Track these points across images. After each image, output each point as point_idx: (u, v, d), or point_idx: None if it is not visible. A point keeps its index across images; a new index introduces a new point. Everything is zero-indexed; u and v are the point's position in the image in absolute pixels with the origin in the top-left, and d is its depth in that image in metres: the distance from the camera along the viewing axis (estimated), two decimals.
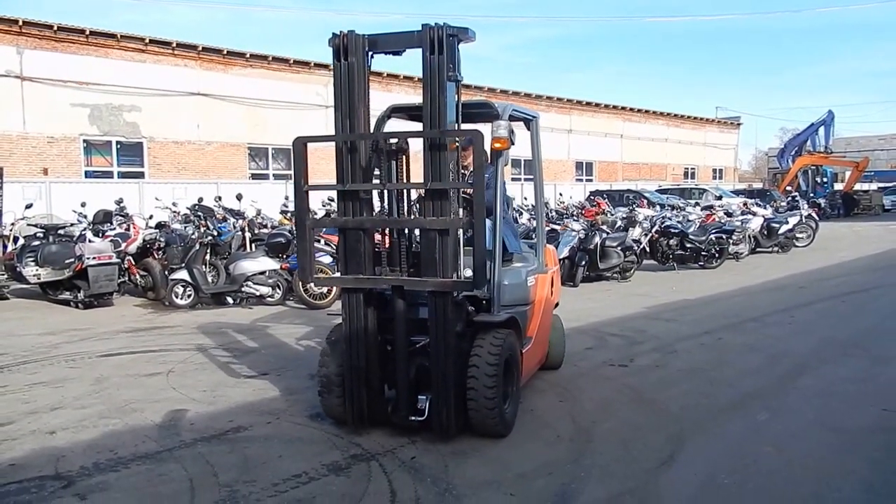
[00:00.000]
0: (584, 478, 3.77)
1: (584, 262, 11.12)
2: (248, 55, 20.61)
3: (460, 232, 4.18)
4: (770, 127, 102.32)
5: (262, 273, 9.28)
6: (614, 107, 34.17)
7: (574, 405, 5.04)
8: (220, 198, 13.29)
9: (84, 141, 18.19)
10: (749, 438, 4.39)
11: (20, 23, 16.69)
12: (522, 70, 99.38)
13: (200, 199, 12.18)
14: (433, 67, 3.97)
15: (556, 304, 5.90)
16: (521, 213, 14.85)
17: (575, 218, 13.25)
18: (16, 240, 10.26)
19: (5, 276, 10.04)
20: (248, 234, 11.30)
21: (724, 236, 13.52)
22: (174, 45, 19.01)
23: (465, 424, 4.26)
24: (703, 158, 40.52)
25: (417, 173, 4.25)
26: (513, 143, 4.44)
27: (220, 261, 9.71)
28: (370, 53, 4.21)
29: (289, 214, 13.34)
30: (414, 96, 4.80)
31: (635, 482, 3.72)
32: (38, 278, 9.49)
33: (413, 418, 4.26)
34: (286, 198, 15.71)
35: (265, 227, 12.38)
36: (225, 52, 20.15)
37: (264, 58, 20.89)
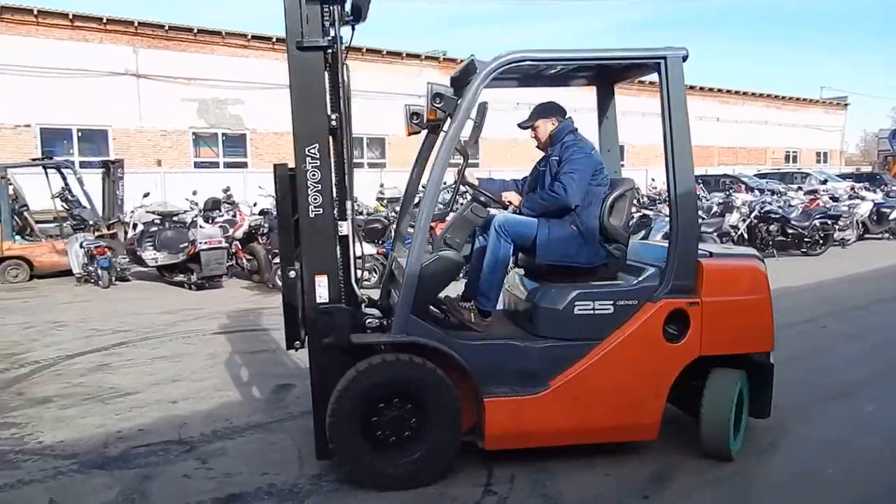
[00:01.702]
0: (678, 464, 3.76)
1: None
2: (364, 50, 21.15)
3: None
4: (881, 107, 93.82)
5: (359, 257, 9.62)
6: (710, 89, 32.62)
7: None
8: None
9: (193, 133, 19.26)
10: (854, 429, 4.24)
11: (136, 24, 17.81)
12: None
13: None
14: None
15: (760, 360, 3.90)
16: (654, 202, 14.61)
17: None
18: (135, 226, 11.05)
19: (127, 260, 10.88)
20: None
21: (829, 222, 12.88)
22: (274, 39, 19.72)
23: None
24: (806, 141, 38.15)
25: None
26: (474, 121, 3.60)
27: None
28: None
29: (385, 201, 13.70)
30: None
31: (734, 470, 3.69)
32: (156, 261, 10.28)
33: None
34: (381, 185, 16.15)
35: (361, 213, 12.77)
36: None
37: (357, 49, 21.34)
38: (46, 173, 11.90)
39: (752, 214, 12.74)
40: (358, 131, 21.90)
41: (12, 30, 16.13)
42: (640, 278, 3.75)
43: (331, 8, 3.43)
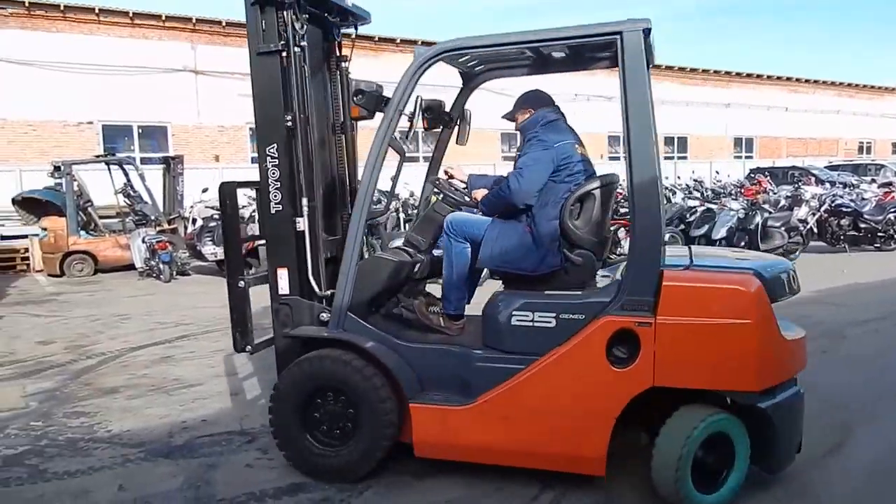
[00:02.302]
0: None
1: (742, 244, 10.51)
2: (398, 40, 21.07)
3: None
4: None
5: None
6: (778, 77, 31.28)
7: None
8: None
9: (250, 129, 19.56)
10: None
11: (194, 20, 18.16)
12: (672, 43, 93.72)
13: (358, 182, 12.80)
14: None
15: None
16: (674, 193, 14.25)
17: (733, 197, 12.55)
18: (194, 221, 11.29)
19: (187, 255, 11.13)
20: (401, 215, 11.72)
21: None
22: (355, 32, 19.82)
23: None
24: (881, 131, 36.40)
25: None
26: (408, 117, 3.50)
27: (376, 241, 10.15)
28: None
29: (441, 196, 13.64)
30: None
31: (801, 469, 3.53)
32: (215, 256, 10.46)
33: None
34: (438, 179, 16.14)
35: (417, 207, 12.76)
36: (377, 39, 20.79)
37: (414, 42, 21.29)
38: (109, 170, 12.23)
39: (822, 208, 12.22)
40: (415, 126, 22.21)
41: (75, 28, 16.64)
42: (594, 290, 3.33)
43: (284, 14, 3.54)
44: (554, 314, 3.22)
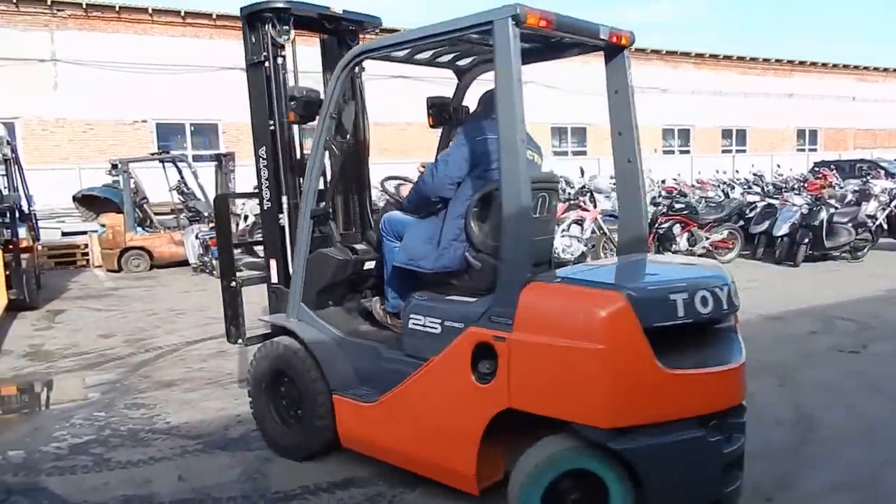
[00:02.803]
0: (806, 465, 3.55)
1: (806, 240, 10.07)
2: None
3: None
4: None
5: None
6: (845, 66, 29.68)
7: (796, 390, 4.71)
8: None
9: (298, 125, 19.81)
10: None
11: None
12: (729, 31, 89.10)
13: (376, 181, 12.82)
14: None
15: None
16: (732, 188, 13.83)
17: (796, 192, 12.12)
18: (246, 218, 11.44)
19: (239, 251, 11.31)
20: None
21: None
22: (377, 31, 19.96)
23: None
24: None
25: None
26: (334, 119, 3.63)
27: None
28: None
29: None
30: None
31: (864, 473, 3.43)
32: None
33: None
34: None
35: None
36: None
37: None
38: (164, 167, 12.51)
39: (893, 203, 11.65)
40: None
41: (130, 28, 17.06)
42: (482, 298, 3.04)
43: (265, 29, 3.90)
44: (440, 320, 3.11)
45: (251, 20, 3.94)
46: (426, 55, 3.82)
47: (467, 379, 2.91)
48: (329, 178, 3.99)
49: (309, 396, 3.59)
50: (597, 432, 2.59)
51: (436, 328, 3.11)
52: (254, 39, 3.97)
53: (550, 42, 3.42)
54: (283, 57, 3.94)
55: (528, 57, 3.44)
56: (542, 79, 22.20)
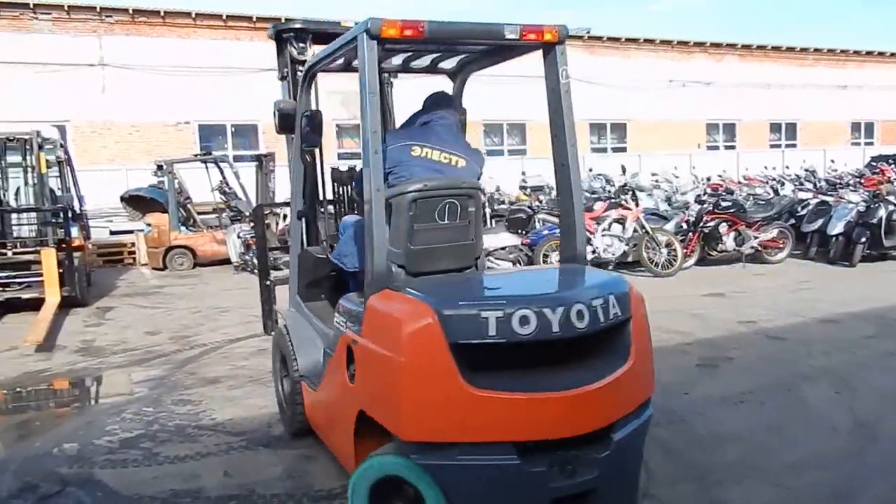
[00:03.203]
0: (864, 475, 3.43)
1: (863, 239, 9.69)
2: None
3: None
4: None
5: (503, 248, 9.49)
6: None
7: (853, 396, 4.55)
8: None
9: (336, 125, 19.98)
10: None
11: (282, 20, 18.49)
12: (776, 21, 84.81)
13: None
14: None
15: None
16: (782, 184, 13.45)
17: (852, 188, 11.72)
18: (285, 217, 11.49)
19: (279, 250, 11.43)
20: (488, 210, 11.63)
21: None
22: None
23: None
24: None
25: None
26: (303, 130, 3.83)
27: None
28: None
29: (528, 190, 13.52)
30: None
31: None
32: None
33: None
34: (523, 173, 15.96)
35: (503, 202, 12.67)
36: None
37: None
38: (207, 167, 12.74)
39: None
40: (496, 117, 21.78)
41: (174, 32, 17.39)
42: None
43: (286, 47, 4.41)
44: (343, 319, 3.25)
45: (277, 39, 4.41)
46: (397, 64, 3.89)
47: (343, 376, 3.06)
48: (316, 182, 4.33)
49: (291, 380, 3.89)
50: (405, 444, 2.55)
51: (341, 326, 3.29)
52: (279, 56, 4.45)
53: (489, 49, 3.52)
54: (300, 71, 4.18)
55: (475, 63, 3.73)
56: (579, 74, 22.03)
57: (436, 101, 3.58)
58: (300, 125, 3.83)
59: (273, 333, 4.51)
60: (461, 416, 2.49)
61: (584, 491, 2.59)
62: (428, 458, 2.53)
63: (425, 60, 3.82)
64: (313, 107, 4.00)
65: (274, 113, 4.05)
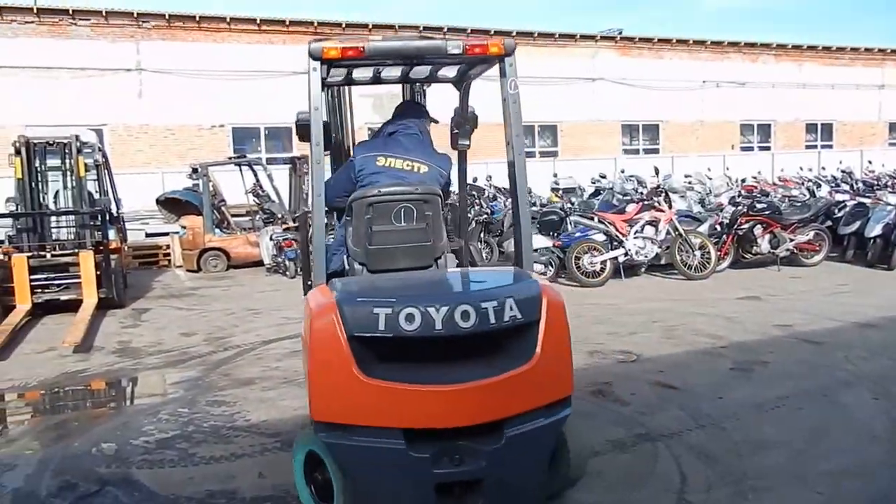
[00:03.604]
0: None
1: None
2: (514, 33, 20.36)
3: None
4: None
5: (535, 250, 9.43)
6: None
7: (893, 403, 4.45)
8: (490, 177, 13.86)
9: (368, 129, 20.07)
10: None
11: (315, 23, 18.63)
12: (813, 20, 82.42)
13: (475, 179, 12.71)
14: None
15: None
16: (818, 185, 13.14)
17: (890, 189, 11.42)
18: None
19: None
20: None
21: None
22: (445, 29, 19.96)
23: None
24: None
25: None
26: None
27: (493, 238, 10.11)
28: None
29: (559, 192, 13.44)
30: None
31: None
32: None
33: None
34: (555, 175, 15.87)
35: (534, 204, 12.58)
36: (492, 33, 20.46)
37: (529, 34, 20.93)
38: (241, 170, 12.90)
39: None
40: (527, 118, 21.45)
41: (209, 37, 17.67)
42: None
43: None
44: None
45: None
46: (396, 75, 3.94)
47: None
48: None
49: None
50: (316, 423, 2.90)
51: None
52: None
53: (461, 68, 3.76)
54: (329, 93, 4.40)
55: (472, 72, 3.81)
56: (611, 75, 21.86)
57: (403, 112, 3.94)
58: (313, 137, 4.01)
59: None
60: (356, 402, 2.77)
61: (470, 480, 2.79)
62: (330, 437, 2.85)
63: (423, 71, 3.91)
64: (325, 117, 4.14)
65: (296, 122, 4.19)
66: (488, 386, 2.78)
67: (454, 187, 4.29)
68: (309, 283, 4.84)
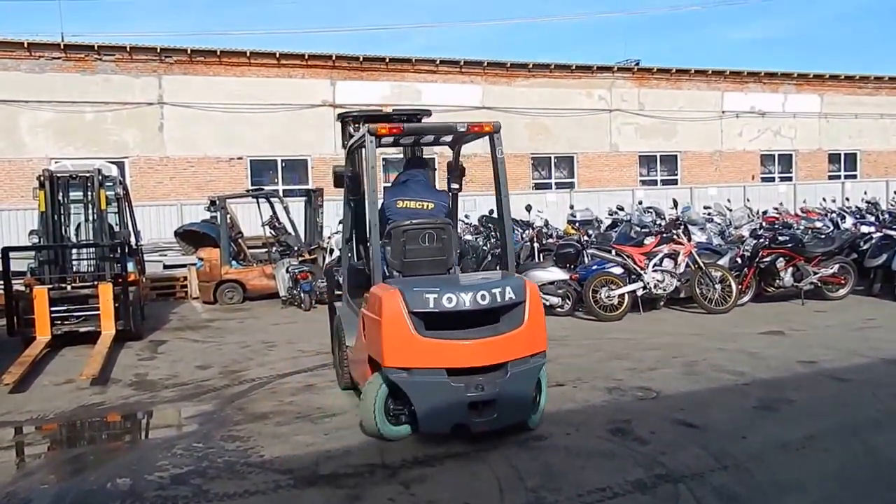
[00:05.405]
0: None
1: None
2: (530, 65, 20.94)
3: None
4: None
5: (552, 283, 9.35)
6: None
7: None
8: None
9: (384, 160, 20.24)
10: None
11: (333, 57, 19.00)
12: (834, 49, 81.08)
13: (490, 212, 12.68)
14: None
15: None
16: (843, 217, 12.92)
17: None
18: (332, 251, 11.63)
19: (325, 284, 11.53)
20: (536, 245, 11.51)
21: None
22: (462, 63, 20.17)
23: None
24: None
25: None
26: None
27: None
28: None
29: (576, 224, 13.36)
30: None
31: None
32: None
33: None
34: (571, 206, 15.78)
35: (551, 237, 12.52)
36: (508, 65, 20.85)
37: (546, 66, 21.18)
38: (258, 202, 13.00)
39: None
40: (545, 150, 21.67)
41: (229, 71, 17.96)
42: None
43: (346, 128, 6.11)
44: (364, 302, 4.95)
45: (341, 121, 6.16)
46: (429, 139, 5.54)
47: (361, 337, 4.98)
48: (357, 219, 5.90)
49: (341, 349, 5.71)
50: (387, 369, 4.43)
51: (362, 307, 4.98)
52: (343, 132, 6.11)
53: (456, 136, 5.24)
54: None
55: (450, 143, 5.53)
56: (628, 106, 21.91)
57: (412, 164, 5.77)
58: (346, 182, 5.70)
59: (334, 322, 6.15)
60: (414, 352, 4.38)
61: (489, 399, 4.38)
62: (397, 376, 4.42)
63: (430, 137, 5.47)
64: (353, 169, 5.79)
65: (333, 173, 5.74)
66: (497, 341, 4.46)
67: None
68: (338, 293, 6.38)
